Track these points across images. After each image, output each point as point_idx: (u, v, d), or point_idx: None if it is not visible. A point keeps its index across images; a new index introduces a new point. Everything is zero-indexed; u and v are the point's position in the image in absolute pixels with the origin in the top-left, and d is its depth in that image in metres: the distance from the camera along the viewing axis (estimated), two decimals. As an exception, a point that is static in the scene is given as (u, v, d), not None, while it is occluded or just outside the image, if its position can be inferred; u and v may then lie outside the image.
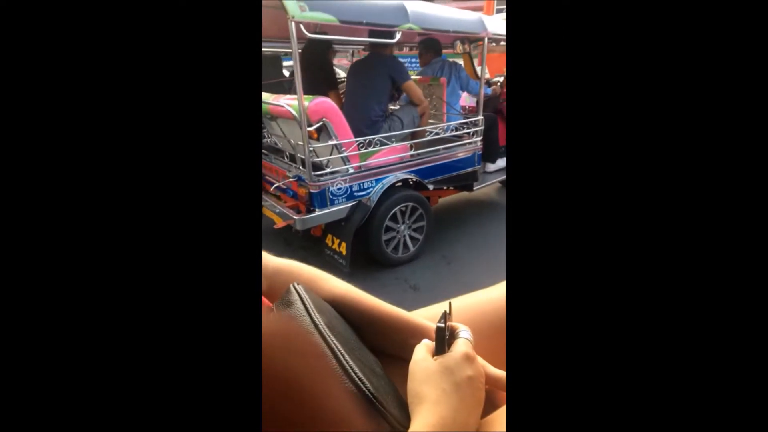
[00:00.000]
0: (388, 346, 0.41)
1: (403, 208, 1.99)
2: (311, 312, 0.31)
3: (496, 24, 2.31)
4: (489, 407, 0.36)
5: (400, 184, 2.01)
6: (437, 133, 2.19)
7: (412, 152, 2.06)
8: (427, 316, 0.43)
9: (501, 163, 2.94)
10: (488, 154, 2.85)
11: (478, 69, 2.70)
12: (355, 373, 0.29)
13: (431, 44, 2.60)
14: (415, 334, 0.39)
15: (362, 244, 1.95)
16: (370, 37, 2.00)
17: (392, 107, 2.30)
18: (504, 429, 0.30)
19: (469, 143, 2.32)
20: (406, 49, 3.81)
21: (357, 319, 0.39)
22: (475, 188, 2.52)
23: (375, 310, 0.40)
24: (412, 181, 2.05)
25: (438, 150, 2.18)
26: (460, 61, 2.99)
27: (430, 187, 2.15)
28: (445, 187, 2.40)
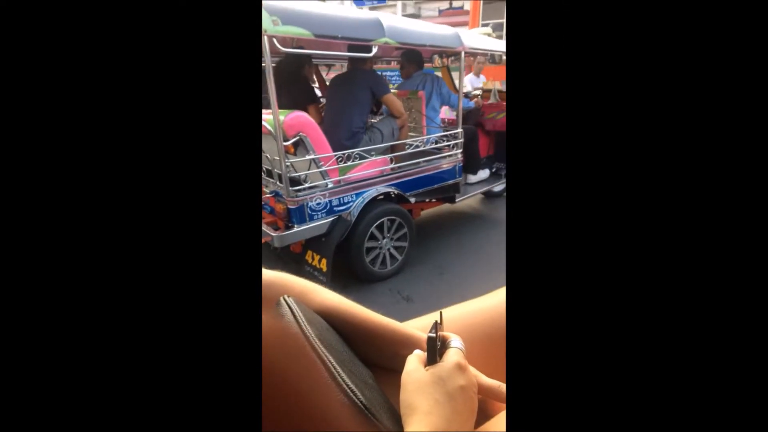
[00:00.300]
0: (380, 358, 0.40)
1: (385, 222, 1.96)
2: (302, 324, 0.30)
3: (473, 39, 2.35)
4: (482, 417, 0.36)
5: (381, 197, 1.99)
6: (417, 146, 2.19)
7: (392, 165, 2.04)
8: (419, 327, 0.43)
9: (482, 174, 2.95)
10: (469, 165, 2.86)
11: (458, 82, 2.73)
12: (347, 385, 0.28)
13: (413, 56, 2.62)
14: (407, 345, 0.39)
15: (344, 259, 1.91)
16: (348, 51, 1.99)
17: (372, 120, 2.29)
18: None
19: (450, 155, 2.32)
20: (394, 63, 3.83)
21: (348, 331, 0.39)
22: (457, 200, 2.51)
23: (366, 321, 0.39)
24: (394, 194, 2.03)
25: (419, 163, 2.17)
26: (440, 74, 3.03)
27: (412, 200, 2.14)
28: (427, 200, 2.38)
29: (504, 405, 0.36)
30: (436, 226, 2.76)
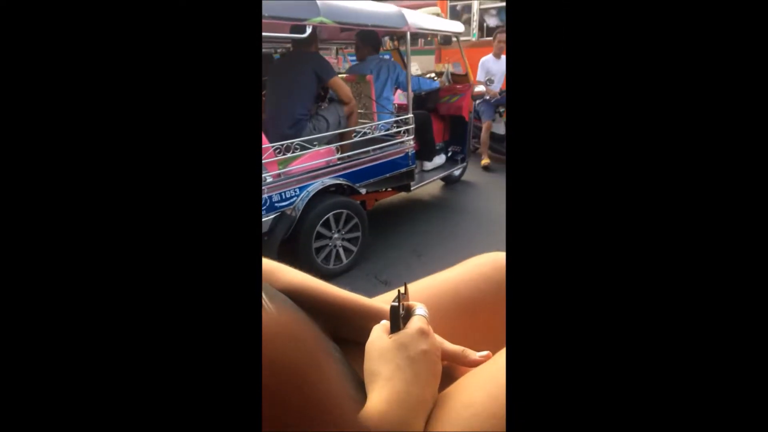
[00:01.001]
0: (347, 332, 0.40)
1: (334, 216, 1.86)
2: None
3: (421, 18, 2.25)
4: (447, 381, 0.36)
5: (333, 189, 1.87)
6: (365, 133, 2.08)
7: (339, 155, 1.93)
8: (386, 301, 0.43)
9: (438, 160, 2.89)
10: (424, 152, 2.79)
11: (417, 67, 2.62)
12: None
13: (368, 38, 2.46)
14: (373, 318, 0.39)
15: (291, 257, 1.79)
16: (291, 32, 1.84)
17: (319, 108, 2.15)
18: (462, 400, 0.32)
19: (401, 142, 2.23)
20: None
21: (315, 308, 0.39)
22: (412, 188, 2.43)
23: (332, 297, 0.40)
24: (342, 185, 1.92)
25: (368, 151, 2.06)
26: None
27: (363, 190, 2.03)
28: (381, 189, 2.29)
29: (468, 369, 0.37)
30: (401, 214, 2.68)
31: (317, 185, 1.80)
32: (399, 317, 0.35)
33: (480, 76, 3.35)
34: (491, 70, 3.40)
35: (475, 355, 0.38)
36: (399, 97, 3.21)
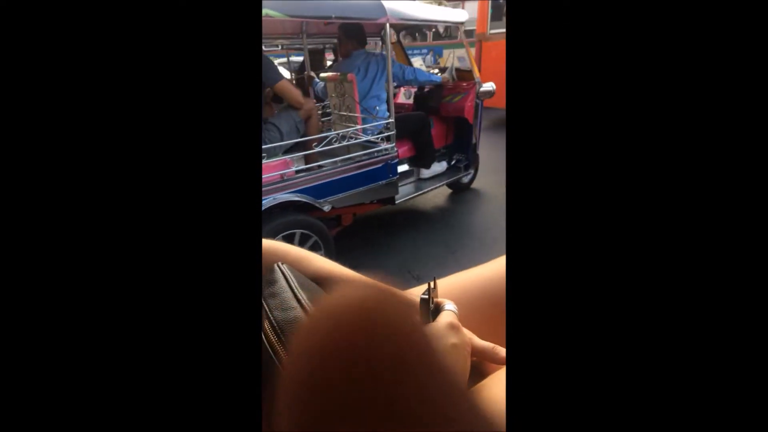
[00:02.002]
0: None
1: (285, 239, 1.64)
2: (294, 288, 0.30)
3: (407, 8, 1.94)
4: (477, 377, 0.37)
5: (287, 206, 1.66)
6: (331, 141, 1.82)
7: (295, 168, 1.70)
8: (416, 294, 0.41)
9: (437, 168, 2.57)
10: (421, 159, 2.49)
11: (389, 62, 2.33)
12: None
13: (352, 31, 2.20)
14: None
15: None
16: None
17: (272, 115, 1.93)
18: (491, 396, 0.32)
19: (380, 150, 1.96)
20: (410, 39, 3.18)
21: None
22: (397, 201, 2.16)
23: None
24: (299, 203, 1.70)
25: (336, 162, 1.82)
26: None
27: (326, 207, 1.79)
28: (360, 203, 2.04)
29: (499, 366, 0.37)
30: (414, 220, 2.43)
31: (268, 202, 1.59)
32: (429, 309, 0.35)
33: None
34: None
35: (505, 352, 0.36)
36: (402, 96, 2.92)
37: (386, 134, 1.97)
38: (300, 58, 3.16)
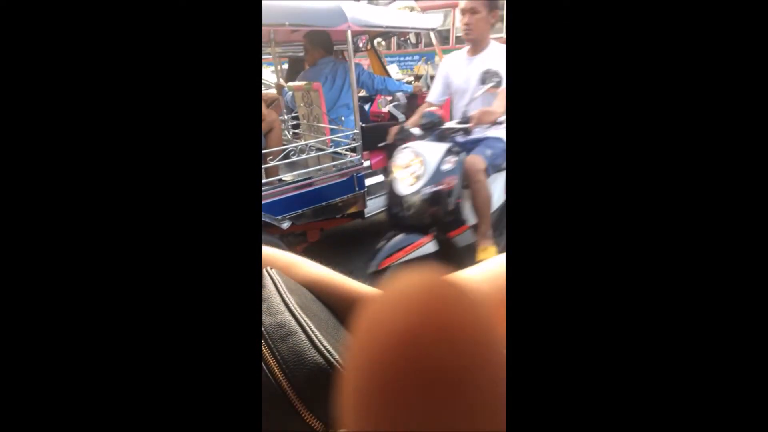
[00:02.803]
0: None
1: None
2: (282, 292, 0.29)
3: (371, 14, 1.86)
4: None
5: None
6: (289, 154, 1.73)
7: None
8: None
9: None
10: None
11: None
12: (324, 347, 0.26)
13: (318, 39, 2.12)
14: None
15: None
16: None
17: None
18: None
19: (343, 163, 1.87)
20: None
21: (336, 302, 0.37)
22: (367, 215, 2.06)
23: (353, 292, 0.38)
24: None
25: (298, 175, 1.73)
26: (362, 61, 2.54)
27: (285, 225, 1.69)
28: (326, 218, 1.94)
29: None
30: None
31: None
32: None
33: (437, 93, 1.73)
34: (455, 79, 1.66)
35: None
36: (378, 105, 2.84)
37: (352, 145, 1.88)
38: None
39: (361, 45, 2.60)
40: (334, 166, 1.89)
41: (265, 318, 0.26)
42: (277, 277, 0.31)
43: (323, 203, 1.82)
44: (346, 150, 1.90)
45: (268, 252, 0.38)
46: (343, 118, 1.96)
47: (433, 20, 2.20)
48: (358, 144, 1.88)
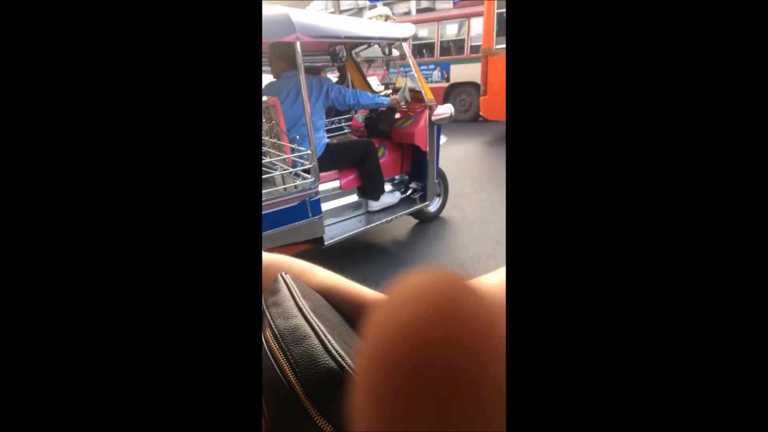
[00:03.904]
0: None
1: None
2: (296, 297, 0.30)
3: (327, 23, 1.70)
4: None
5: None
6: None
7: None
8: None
9: (388, 199, 2.28)
10: (368, 189, 2.22)
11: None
12: (337, 352, 0.26)
13: (282, 49, 1.97)
14: None
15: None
16: None
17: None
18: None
19: (295, 186, 1.70)
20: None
21: (348, 309, 0.38)
22: (327, 242, 1.88)
23: (366, 299, 0.38)
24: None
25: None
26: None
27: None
28: (282, 245, 1.78)
29: None
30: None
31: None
32: None
33: None
34: None
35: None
36: (357, 119, 2.67)
37: (305, 167, 1.71)
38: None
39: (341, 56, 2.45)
40: (295, 186, 1.73)
41: (279, 322, 0.27)
42: (291, 282, 0.32)
43: (275, 229, 1.66)
44: (301, 171, 1.74)
45: (284, 259, 0.39)
46: (297, 137, 1.80)
47: (405, 30, 2.02)
48: (311, 166, 1.71)
